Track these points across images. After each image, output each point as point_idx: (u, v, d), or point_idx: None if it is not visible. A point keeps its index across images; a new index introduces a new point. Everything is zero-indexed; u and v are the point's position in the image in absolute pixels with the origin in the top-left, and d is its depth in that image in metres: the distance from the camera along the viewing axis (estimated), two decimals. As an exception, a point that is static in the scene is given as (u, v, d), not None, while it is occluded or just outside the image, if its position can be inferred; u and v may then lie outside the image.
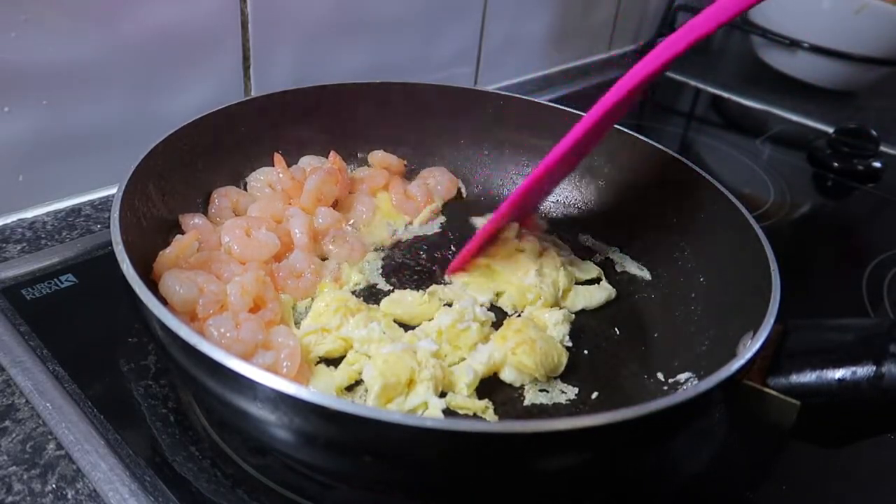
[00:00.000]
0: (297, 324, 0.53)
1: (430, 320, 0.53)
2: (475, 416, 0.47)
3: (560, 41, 1.16)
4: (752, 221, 0.52)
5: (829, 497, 0.48)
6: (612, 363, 0.53)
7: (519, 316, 0.55)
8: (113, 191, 0.59)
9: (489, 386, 0.50)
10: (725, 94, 1.18)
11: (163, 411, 0.47)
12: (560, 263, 0.60)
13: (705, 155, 0.99)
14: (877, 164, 0.95)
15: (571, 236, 0.67)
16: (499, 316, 0.56)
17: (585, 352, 0.54)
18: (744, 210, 0.54)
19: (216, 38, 0.70)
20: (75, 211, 0.66)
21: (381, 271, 0.60)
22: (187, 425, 0.46)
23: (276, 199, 0.61)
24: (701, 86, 1.21)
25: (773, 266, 0.47)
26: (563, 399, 0.50)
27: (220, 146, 0.61)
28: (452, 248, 0.63)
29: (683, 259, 0.59)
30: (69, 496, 0.41)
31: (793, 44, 1.15)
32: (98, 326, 0.53)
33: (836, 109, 1.17)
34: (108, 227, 0.44)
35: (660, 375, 0.51)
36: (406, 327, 0.53)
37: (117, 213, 0.45)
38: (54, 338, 0.51)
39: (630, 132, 0.65)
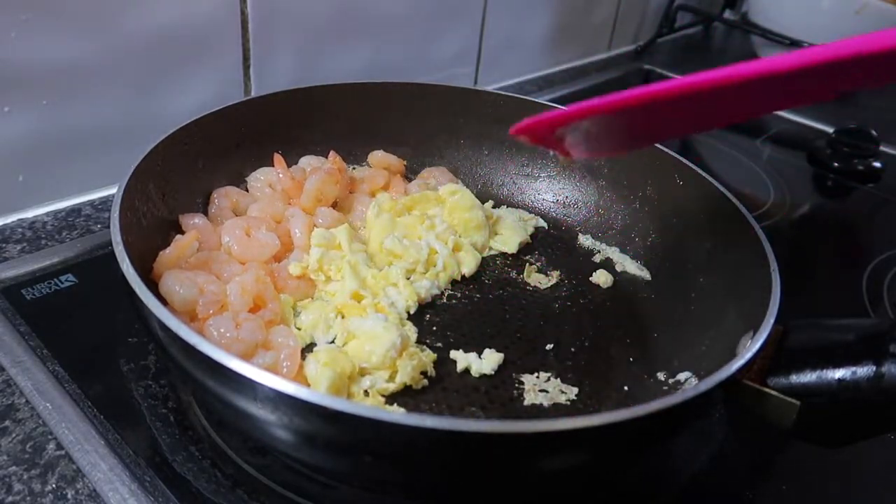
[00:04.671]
0: (297, 326, 0.53)
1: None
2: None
3: (560, 41, 1.16)
4: (752, 221, 0.52)
5: (829, 497, 0.48)
6: (612, 363, 0.53)
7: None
8: (113, 191, 0.59)
9: (489, 386, 0.50)
10: (725, 94, 1.18)
11: (163, 411, 0.47)
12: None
13: (705, 155, 0.99)
14: (877, 164, 0.95)
15: (571, 236, 0.68)
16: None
17: (585, 352, 0.54)
18: (744, 210, 0.54)
19: (216, 38, 0.70)
20: (75, 211, 0.66)
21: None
22: (187, 425, 0.46)
23: (276, 199, 0.61)
24: (701, 86, 1.20)
25: (773, 266, 0.47)
26: (562, 399, 0.50)
27: (220, 146, 0.61)
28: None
29: (683, 259, 0.59)
30: (69, 496, 0.41)
31: (793, 44, 1.15)
32: (98, 326, 0.53)
33: (836, 109, 1.17)
34: (108, 227, 0.44)
35: (660, 375, 0.51)
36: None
37: (117, 213, 0.45)
38: (54, 338, 0.51)
39: (630, 132, 0.65)
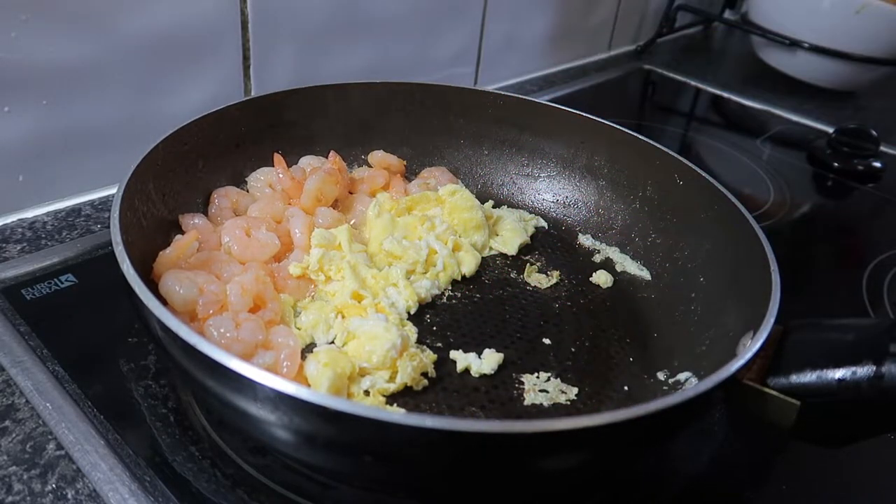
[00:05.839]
0: (297, 326, 0.53)
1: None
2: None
3: (560, 41, 1.16)
4: (753, 221, 0.52)
5: (829, 497, 0.48)
6: (612, 363, 0.53)
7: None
8: (113, 191, 0.59)
9: (489, 386, 0.50)
10: (725, 94, 1.18)
11: (163, 411, 0.47)
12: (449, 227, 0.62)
13: (705, 155, 0.99)
14: (877, 164, 0.95)
15: (571, 236, 0.68)
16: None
17: (585, 352, 0.54)
18: (744, 210, 0.54)
19: (216, 38, 0.70)
20: (75, 211, 0.66)
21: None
22: (187, 425, 0.46)
23: (276, 199, 0.61)
24: (701, 86, 1.21)
25: (773, 266, 0.47)
26: (562, 399, 0.50)
27: (220, 146, 0.61)
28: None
29: (683, 259, 0.59)
30: (69, 496, 0.41)
31: (793, 44, 1.15)
32: (98, 326, 0.53)
33: (836, 109, 1.17)
34: (108, 227, 0.44)
35: (660, 375, 0.52)
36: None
37: (117, 213, 0.45)
38: (54, 338, 0.51)
39: (630, 132, 0.65)
